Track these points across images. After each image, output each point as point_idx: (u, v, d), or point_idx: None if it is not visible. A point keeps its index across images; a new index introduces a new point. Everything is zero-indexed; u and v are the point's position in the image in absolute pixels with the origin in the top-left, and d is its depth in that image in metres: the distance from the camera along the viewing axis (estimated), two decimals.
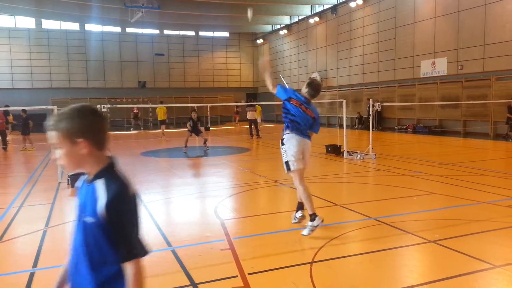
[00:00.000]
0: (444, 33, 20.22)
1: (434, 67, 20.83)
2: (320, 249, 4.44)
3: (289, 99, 5.15)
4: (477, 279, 3.71)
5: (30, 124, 16.57)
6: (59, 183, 8.63)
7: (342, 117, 12.70)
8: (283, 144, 5.08)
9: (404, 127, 22.19)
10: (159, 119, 22.56)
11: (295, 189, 5.29)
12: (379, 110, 22.25)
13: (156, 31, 37.67)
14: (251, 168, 10.65)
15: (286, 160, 5.02)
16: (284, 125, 5.23)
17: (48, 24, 34.39)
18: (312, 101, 5.27)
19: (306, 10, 31.43)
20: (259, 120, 20.78)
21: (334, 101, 26.47)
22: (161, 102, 27.19)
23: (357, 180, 8.90)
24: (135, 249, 1.59)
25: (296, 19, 33.65)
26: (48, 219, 6.06)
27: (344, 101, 12.92)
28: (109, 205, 1.54)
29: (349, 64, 27.66)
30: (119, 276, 1.58)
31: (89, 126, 1.61)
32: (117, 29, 36.33)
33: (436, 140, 16.92)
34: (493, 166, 10.40)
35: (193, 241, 4.90)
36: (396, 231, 5.04)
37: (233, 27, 38.15)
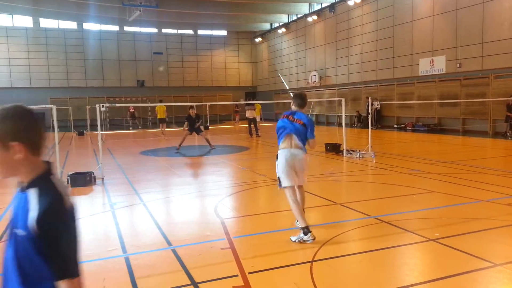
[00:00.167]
0: (443, 31, 20.23)
1: (433, 65, 20.84)
2: (320, 248, 4.44)
3: (281, 117, 5.22)
4: (477, 278, 3.72)
5: None
6: None
7: (341, 115, 12.70)
8: (276, 159, 5.11)
9: (403, 125, 22.21)
10: (158, 117, 22.57)
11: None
12: (378, 109, 22.25)
13: (154, 30, 37.61)
14: (251, 167, 10.65)
15: (278, 176, 5.05)
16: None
17: (46, 23, 34.30)
18: (303, 110, 5.20)
19: (304, 8, 31.41)
20: (258, 119, 20.77)
21: (333, 100, 26.47)
22: (161, 101, 27.17)
23: (357, 178, 8.91)
24: (69, 267, 1.43)
25: (294, 18, 33.62)
26: None
27: (343, 100, 12.92)
28: (40, 218, 1.38)
29: (347, 62, 27.66)
30: None
31: (24, 129, 1.45)
32: (115, 27, 36.25)
33: (435, 138, 16.94)
34: (492, 164, 10.42)
35: (193, 240, 4.90)
36: (396, 229, 5.05)
37: (232, 26, 38.11)
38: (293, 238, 4.74)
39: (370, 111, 14.63)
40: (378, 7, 24.42)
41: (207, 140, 14.51)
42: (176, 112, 33.34)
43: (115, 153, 14.09)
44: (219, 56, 40.18)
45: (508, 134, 16.11)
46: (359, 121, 25.40)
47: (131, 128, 29.69)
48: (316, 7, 30.53)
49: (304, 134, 5.02)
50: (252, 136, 18.89)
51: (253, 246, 4.68)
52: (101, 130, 9.63)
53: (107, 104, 9.60)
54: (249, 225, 5.59)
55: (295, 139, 4.97)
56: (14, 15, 33.13)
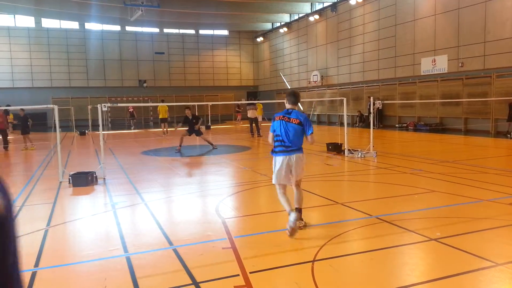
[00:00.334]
0: (445, 30, 20.18)
1: (435, 64, 20.80)
2: (321, 248, 4.44)
3: (273, 119, 5.33)
4: (479, 277, 3.71)
5: (30, 123, 16.57)
6: (60, 182, 8.63)
7: (343, 115, 12.69)
8: (274, 159, 5.31)
9: (405, 125, 22.17)
10: (160, 117, 22.59)
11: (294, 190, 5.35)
12: (379, 108, 22.25)
13: (156, 30, 37.64)
14: (252, 166, 10.64)
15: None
16: None
17: (48, 23, 34.36)
18: (299, 108, 5.32)
19: (306, 7, 31.38)
20: (260, 119, 20.77)
21: (334, 99, 26.45)
22: (162, 101, 27.21)
23: (358, 178, 8.90)
24: (10, 281, 1.14)
25: (296, 17, 33.59)
26: (50, 218, 6.06)
27: (345, 99, 12.91)
28: None
29: (349, 62, 27.62)
30: None
31: None
32: (117, 27, 36.30)
33: (437, 138, 16.91)
34: (494, 163, 10.39)
35: (195, 240, 4.90)
36: (398, 229, 5.04)
37: (233, 25, 38.11)
38: (289, 228, 4.86)
39: (371, 110, 14.64)
40: (380, 6, 24.38)
41: (209, 142, 14.24)
42: (178, 112, 33.37)
43: (116, 153, 14.11)
44: (220, 56, 40.18)
45: (510, 133, 16.06)
46: (360, 121, 25.37)
47: (133, 127, 29.73)
48: (318, 6, 30.51)
49: (301, 133, 5.10)
50: (254, 136, 18.89)
51: (254, 246, 4.68)
52: (103, 130, 9.64)
53: (109, 104, 9.60)
54: (250, 225, 5.60)
55: (291, 140, 5.09)
56: (16, 15, 33.21)
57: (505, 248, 4.38)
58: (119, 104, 13.04)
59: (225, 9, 30.72)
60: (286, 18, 34.59)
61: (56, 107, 8.97)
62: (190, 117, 13.72)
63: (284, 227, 5.33)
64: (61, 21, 34.50)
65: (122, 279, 3.83)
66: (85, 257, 4.45)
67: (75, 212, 6.56)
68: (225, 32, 40.11)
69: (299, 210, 5.17)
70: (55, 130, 8.81)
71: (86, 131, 23.99)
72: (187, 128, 14.20)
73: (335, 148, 12.31)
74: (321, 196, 6.95)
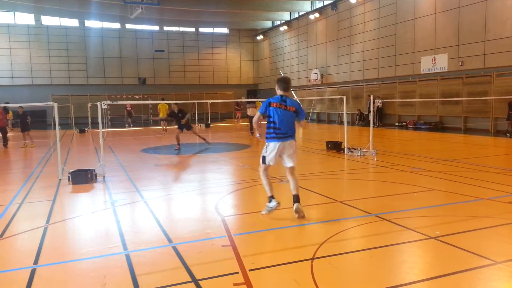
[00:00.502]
0: (445, 29, 20.17)
1: (435, 63, 20.80)
2: (321, 246, 4.44)
3: (268, 104, 5.40)
4: (478, 276, 3.71)
5: (29, 120, 16.55)
6: (60, 179, 8.63)
7: (343, 113, 12.69)
8: (266, 144, 5.51)
9: (405, 123, 22.18)
10: (160, 115, 22.59)
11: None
12: (379, 107, 22.23)
13: (156, 28, 37.60)
14: (252, 164, 10.63)
15: (263, 155, 5.54)
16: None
17: (48, 20, 34.31)
18: (290, 94, 5.47)
19: (306, 6, 31.35)
20: None
21: (334, 98, 26.45)
22: (163, 99, 27.18)
23: (358, 176, 8.90)
24: None
25: (296, 15, 33.57)
26: (49, 216, 6.06)
27: (345, 98, 12.90)
28: None
29: (349, 60, 27.61)
30: None
31: None
32: (117, 25, 36.26)
33: (437, 137, 16.91)
34: (493, 162, 10.40)
35: (194, 238, 4.90)
36: (397, 227, 5.05)
37: (233, 23, 38.07)
38: (263, 212, 5.39)
39: (371, 109, 14.62)
40: (380, 5, 24.36)
41: (201, 137, 14.12)
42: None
43: (116, 151, 14.10)
44: (220, 54, 40.16)
45: (509, 132, 16.06)
46: (360, 119, 25.37)
47: (132, 125, 29.71)
48: (318, 4, 30.49)
49: (294, 119, 5.43)
50: (253, 134, 18.89)
51: (254, 244, 4.69)
52: (102, 127, 9.64)
53: (109, 102, 9.59)
54: (250, 223, 5.60)
55: (285, 128, 5.34)
56: (16, 13, 33.16)
57: (504, 247, 4.38)
58: (119, 102, 13.01)
59: (225, 7, 30.68)
60: (286, 16, 34.56)
61: (55, 105, 8.96)
62: (177, 111, 13.54)
63: (284, 224, 5.33)
64: (61, 18, 34.45)
65: (121, 276, 3.83)
66: (85, 255, 4.45)
67: (74, 210, 6.55)
68: (225, 30, 40.08)
69: (297, 196, 5.42)
70: (54, 128, 8.78)
71: (86, 129, 23.99)
72: (177, 127, 14.08)
73: (335, 147, 12.31)
74: (320, 194, 6.95)
